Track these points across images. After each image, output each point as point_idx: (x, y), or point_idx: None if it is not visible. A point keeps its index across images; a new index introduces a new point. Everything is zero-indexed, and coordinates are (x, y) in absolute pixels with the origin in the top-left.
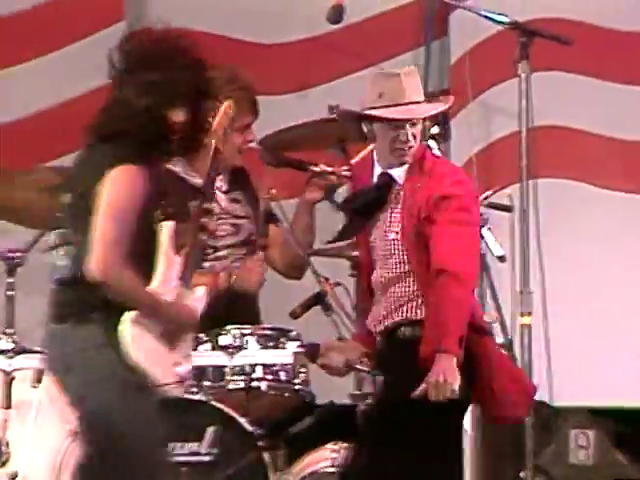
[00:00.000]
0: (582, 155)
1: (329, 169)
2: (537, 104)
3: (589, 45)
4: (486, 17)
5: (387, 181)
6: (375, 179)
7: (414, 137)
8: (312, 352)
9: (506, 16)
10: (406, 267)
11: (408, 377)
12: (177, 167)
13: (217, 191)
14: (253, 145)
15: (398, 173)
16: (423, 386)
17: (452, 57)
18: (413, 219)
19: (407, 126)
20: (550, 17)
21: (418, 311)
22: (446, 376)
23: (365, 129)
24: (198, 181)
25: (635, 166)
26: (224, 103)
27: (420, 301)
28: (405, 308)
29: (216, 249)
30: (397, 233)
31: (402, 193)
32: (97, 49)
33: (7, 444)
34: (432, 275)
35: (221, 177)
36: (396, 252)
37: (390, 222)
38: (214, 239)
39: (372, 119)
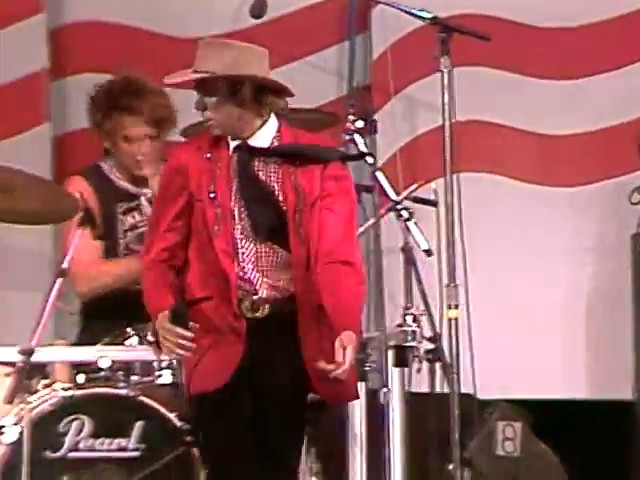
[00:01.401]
0: (502, 149)
1: None
2: (459, 99)
3: (508, 41)
4: (406, 12)
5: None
6: (231, 152)
7: (211, 108)
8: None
9: (427, 12)
10: None
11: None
12: (106, 165)
13: (143, 198)
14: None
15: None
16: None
17: (374, 52)
18: None
19: (200, 95)
20: (471, 13)
21: None
22: None
23: None
24: (125, 184)
25: (553, 159)
26: None
27: None
28: None
29: None
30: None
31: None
32: (14, 40)
33: None
34: None
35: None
36: None
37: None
38: (142, 244)
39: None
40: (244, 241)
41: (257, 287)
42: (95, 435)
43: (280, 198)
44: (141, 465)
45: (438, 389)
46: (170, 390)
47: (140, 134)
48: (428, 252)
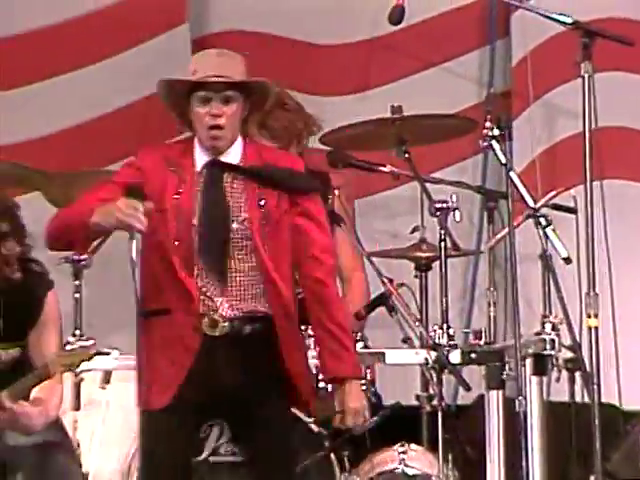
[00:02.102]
0: None
1: (396, 170)
2: (600, 105)
3: None
4: (547, 17)
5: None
6: (199, 168)
7: (227, 116)
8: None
9: (568, 16)
10: None
11: None
12: None
13: None
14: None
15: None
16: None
17: (514, 58)
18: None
19: (216, 102)
20: (613, 17)
21: None
22: None
23: (189, 114)
24: None
25: None
26: None
27: None
28: None
29: None
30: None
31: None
32: (159, 51)
33: (77, 445)
34: None
35: None
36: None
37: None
38: None
39: (179, 86)
40: None
41: (217, 304)
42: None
43: (244, 215)
44: None
45: (578, 399)
46: None
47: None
48: (567, 260)
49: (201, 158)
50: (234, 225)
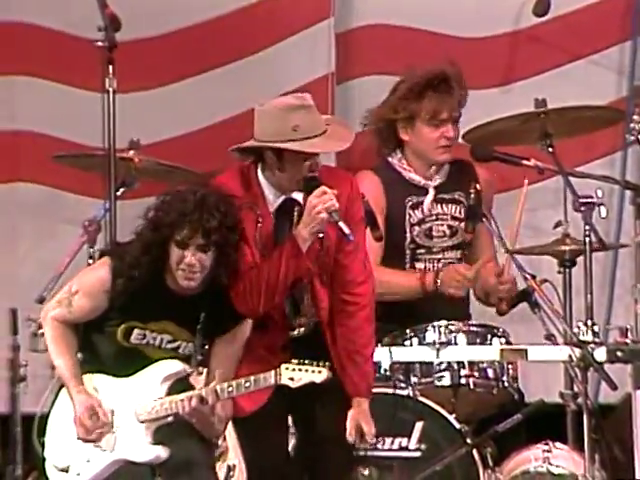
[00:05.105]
0: None
1: (541, 164)
2: None
3: None
4: None
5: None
6: (276, 205)
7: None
8: None
9: None
10: None
11: None
12: (395, 160)
13: (431, 189)
14: (460, 141)
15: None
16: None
17: None
18: None
19: (313, 158)
20: None
21: None
22: None
23: (269, 159)
24: (414, 176)
25: None
26: None
27: None
28: None
29: (430, 249)
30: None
31: None
32: (304, 46)
33: (224, 438)
34: None
35: (436, 177)
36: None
37: None
38: (429, 239)
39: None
40: None
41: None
42: (376, 434)
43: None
44: (422, 465)
45: None
46: (449, 392)
47: (448, 116)
48: None
49: (271, 193)
50: None
